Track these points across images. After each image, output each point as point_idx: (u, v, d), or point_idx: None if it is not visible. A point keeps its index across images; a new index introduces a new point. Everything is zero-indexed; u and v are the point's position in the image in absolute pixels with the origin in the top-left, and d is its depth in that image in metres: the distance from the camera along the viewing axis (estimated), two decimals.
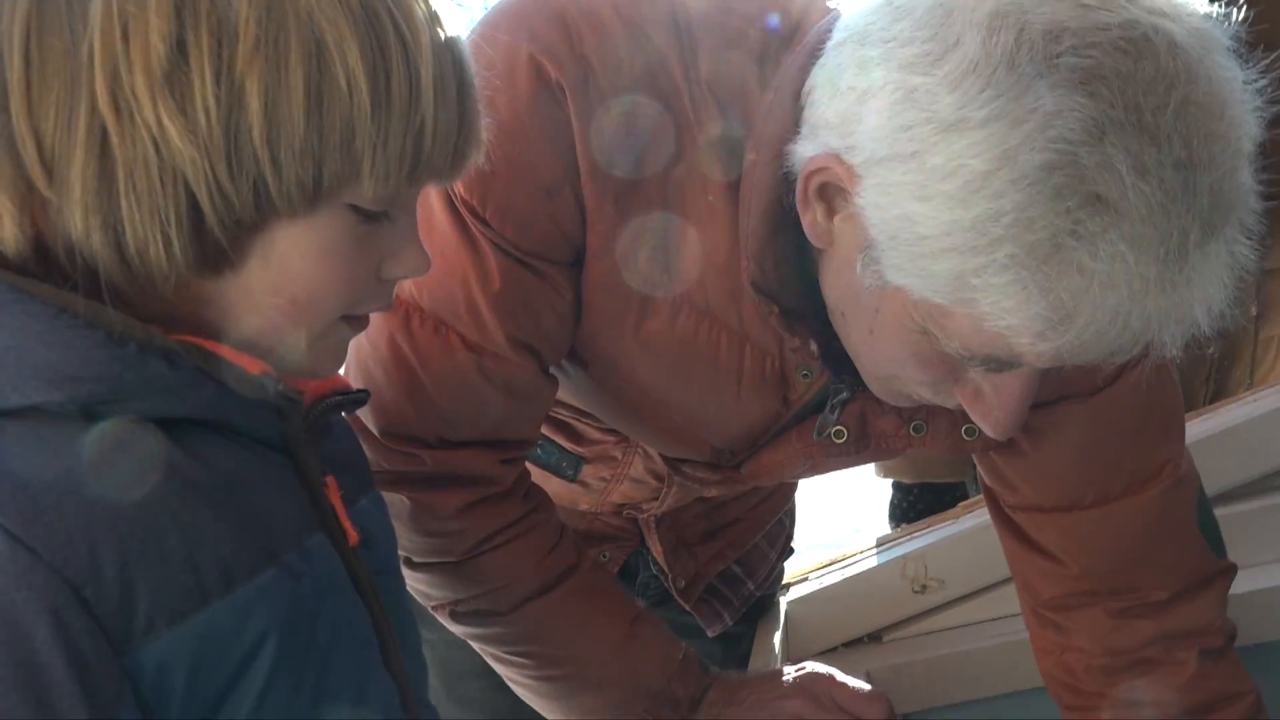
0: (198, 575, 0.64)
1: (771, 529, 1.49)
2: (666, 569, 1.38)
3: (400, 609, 0.85)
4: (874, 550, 1.60)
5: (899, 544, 1.58)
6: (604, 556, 1.36)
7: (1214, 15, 0.78)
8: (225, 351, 0.69)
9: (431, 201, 0.95)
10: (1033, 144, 0.72)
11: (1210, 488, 1.17)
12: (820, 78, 0.84)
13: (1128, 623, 1.11)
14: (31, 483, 0.61)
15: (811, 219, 0.86)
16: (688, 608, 1.40)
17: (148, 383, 0.65)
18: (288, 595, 0.69)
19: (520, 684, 1.16)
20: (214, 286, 0.68)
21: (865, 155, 0.79)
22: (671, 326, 0.99)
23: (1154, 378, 0.83)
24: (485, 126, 0.75)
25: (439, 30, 0.70)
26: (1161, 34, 0.73)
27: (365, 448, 0.92)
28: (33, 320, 0.64)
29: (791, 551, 1.56)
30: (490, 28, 0.92)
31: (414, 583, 1.10)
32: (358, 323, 0.76)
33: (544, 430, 1.21)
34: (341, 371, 0.86)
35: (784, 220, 0.90)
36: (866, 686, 1.19)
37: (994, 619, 1.52)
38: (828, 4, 0.91)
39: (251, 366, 0.70)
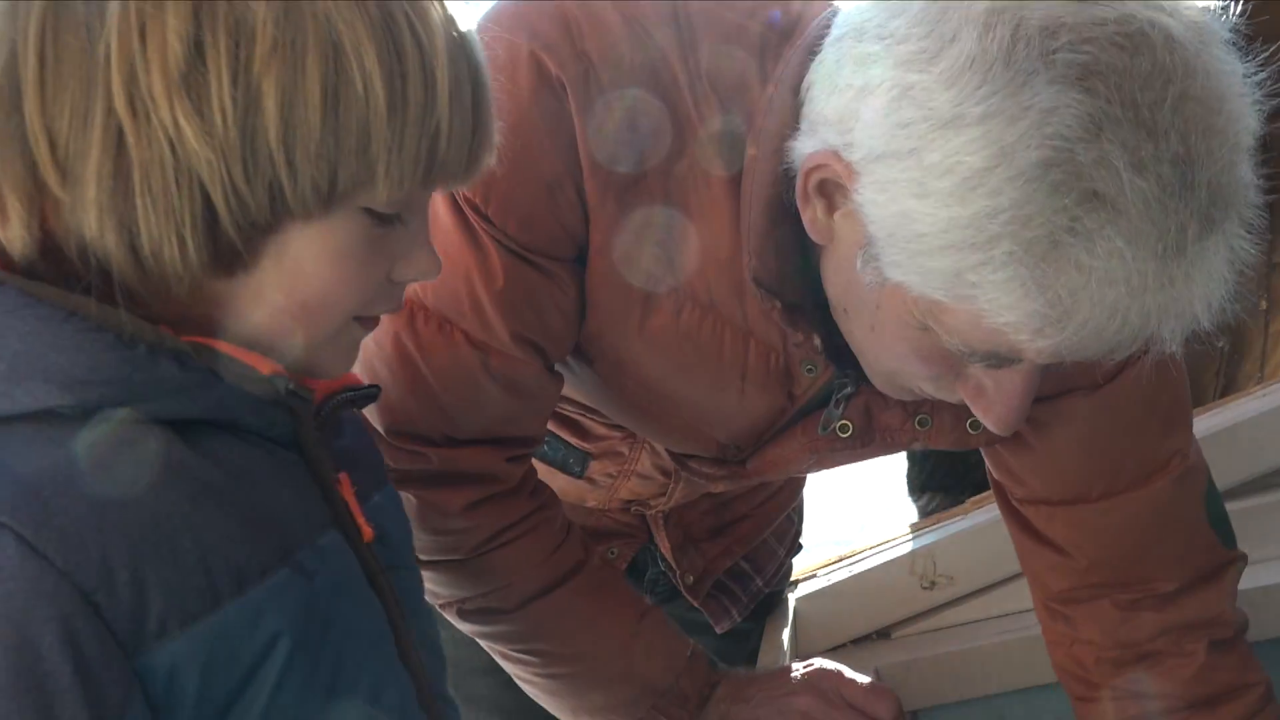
0: (210, 576, 0.65)
1: (780, 525, 1.49)
2: (674, 565, 1.38)
3: (417, 603, 0.85)
4: (882, 546, 1.59)
5: (907, 540, 1.58)
6: (612, 553, 1.36)
7: (1212, 8, 0.78)
8: (235, 351, 0.69)
9: (434, 199, 0.95)
10: (1029, 141, 0.72)
11: (1220, 482, 1.17)
12: (819, 73, 0.84)
13: (1136, 615, 1.11)
14: (43, 487, 0.61)
15: (811, 215, 0.87)
16: (696, 604, 1.40)
17: (158, 384, 0.65)
18: (300, 594, 0.69)
19: (528, 681, 1.16)
20: (226, 287, 0.68)
21: (863, 152, 0.79)
22: (675, 322, 0.99)
23: (1160, 370, 0.83)
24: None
25: (455, 33, 0.70)
26: (1158, 28, 0.73)
27: None
28: (43, 324, 0.64)
29: (800, 548, 1.56)
30: (491, 24, 0.92)
31: None
32: (369, 323, 0.76)
33: (550, 426, 1.21)
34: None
35: (785, 215, 0.90)
36: (875, 683, 1.18)
37: (1003, 615, 1.52)
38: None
39: (262, 366, 0.70)
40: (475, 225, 0.95)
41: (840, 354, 0.97)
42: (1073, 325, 0.76)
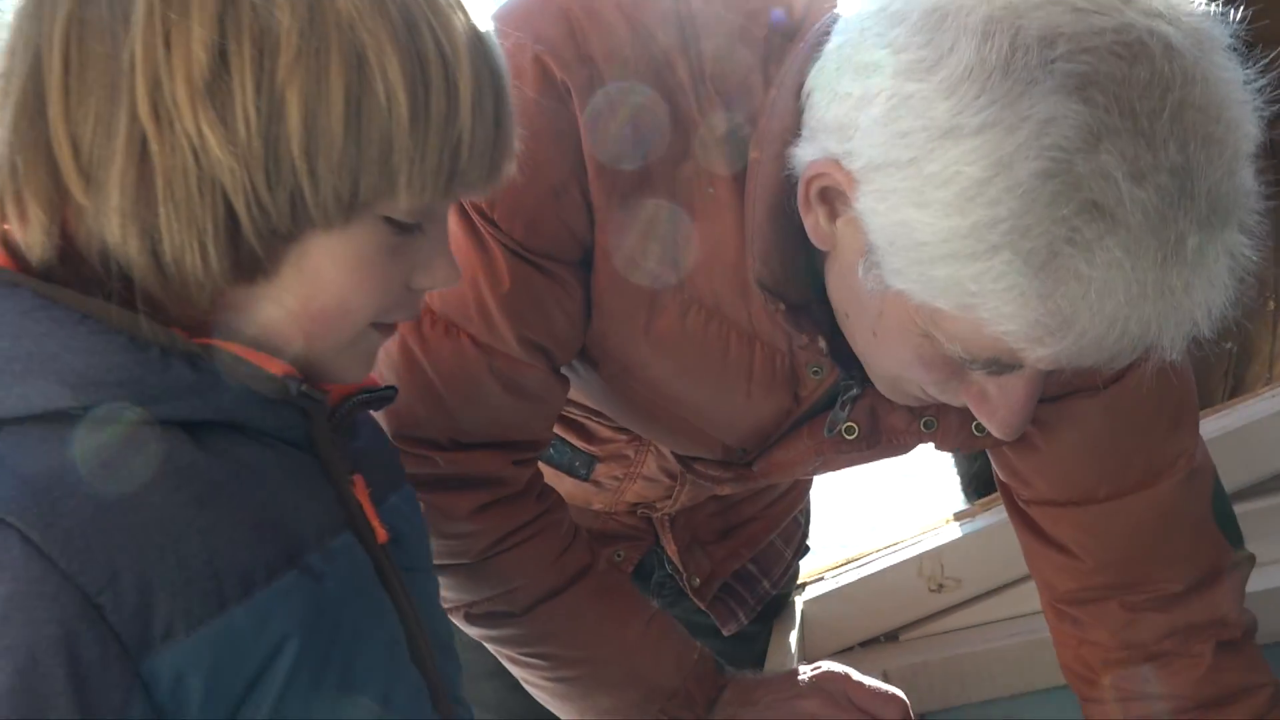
0: (216, 580, 0.65)
1: (787, 527, 1.48)
2: (681, 568, 1.38)
3: (432, 605, 0.86)
4: (890, 549, 1.59)
5: (915, 543, 1.58)
6: (618, 556, 1.36)
7: (1213, 14, 0.77)
8: (247, 353, 0.69)
9: None
10: (1028, 151, 0.72)
11: (1228, 484, 1.16)
12: (819, 80, 0.84)
13: (1143, 616, 1.11)
14: (52, 488, 0.61)
15: (814, 222, 0.87)
16: (702, 606, 1.40)
17: (170, 386, 0.66)
18: (308, 597, 0.69)
19: (535, 685, 1.16)
20: (246, 293, 0.69)
21: (863, 161, 0.79)
22: (681, 325, 0.99)
23: (1166, 371, 0.83)
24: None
25: (478, 43, 0.70)
26: (1157, 37, 0.73)
27: None
28: (57, 326, 0.64)
29: (807, 550, 1.56)
30: (495, 25, 0.92)
31: None
32: (386, 330, 0.77)
33: (556, 429, 1.22)
34: None
35: (789, 217, 0.90)
36: (883, 686, 1.18)
37: (1012, 617, 1.52)
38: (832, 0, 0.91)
39: (273, 367, 0.70)
40: (481, 229, 0.95)
41: (846, 356, 0.97)
42: (1072, 334, 0.76)
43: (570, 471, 1.27)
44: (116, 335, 0.64)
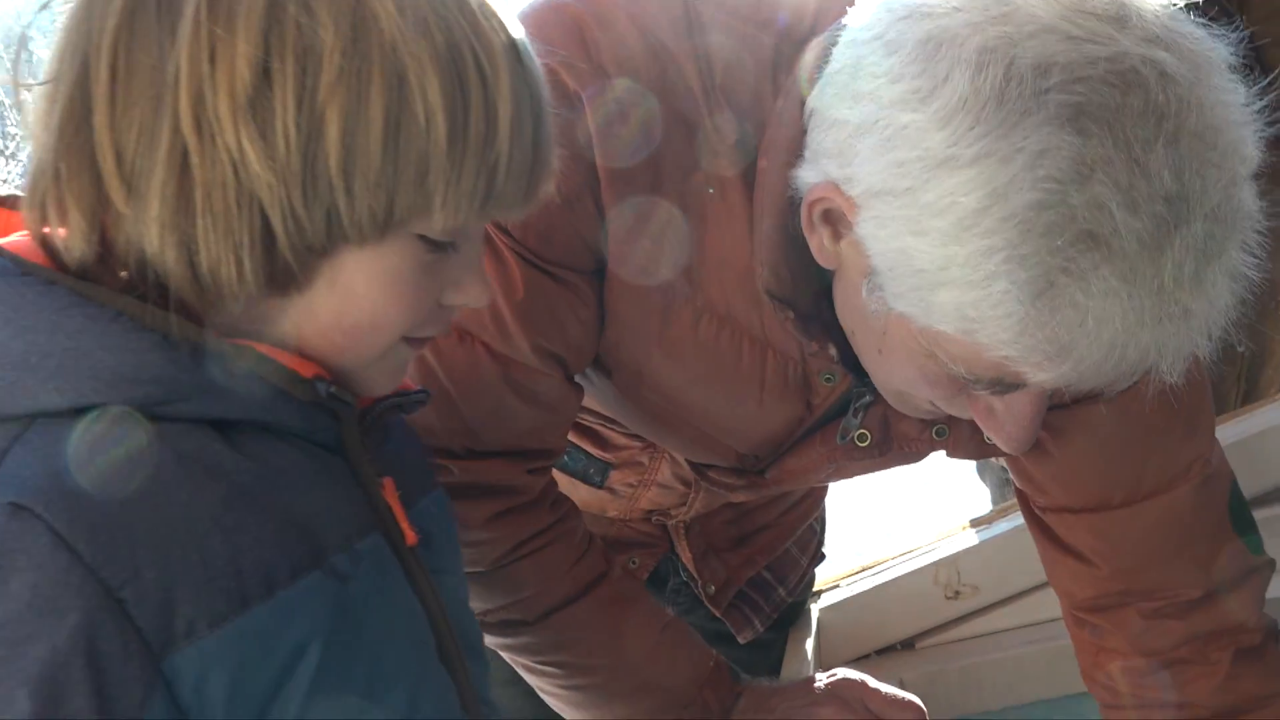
0: (239, 578, 0.65)
1: (802, 535, 1.48)
2: (696, 575, 1.38)
3: (461, 607, 0.86)
4: (906, 556, 1.59)
5: (931, 550, 1.57)
6: (633, 563, 1.36)
7: (1214, 34, 0.77)
8: (277, 354, 0.70)
9: None
10: (1021, 183, 0.72)
11: (1245, 492, 1.15)
12: (819, 103, 0.85)
13: (1160, 622, 1.10)
14: (81, 482, 0.62)
15: (818, 243, 0.87)
16: (718, 614, 1.40)
17: (202, 385, 0.66)
18: (333, 597, 0.69)
19: (550, 693, 1.16)
20: (279, 305, 0.70)
21: (862, 188, 0.80)
22: (693, 333, 0.99)
23: (1182, 374, 0.83)
24: None
25: (519, 68, 0.70)
26: (1151, 65, 0.73)
27: None
28: (91, 323, 0.65)
29: (823, 558, 1.56)
30: None
31: None
32: (417, 344, 0.77)
33: (571, 436, 1.22)
34: None
35: (797, 227, 0.90)
36: (900, 693, 1.18)
37: (1028, 624, 1.52)
38: (841, 8, 0.91)
39: (304, 369, 0.71)
40: (495, 238, 0.96)
41: (857, 363, 0.97)
42: (1071, 360, 0.77)
43: (585, 479, 1.27)
44: (149, 334, 0.65)
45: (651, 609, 1.17)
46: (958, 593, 1.52)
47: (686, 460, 1.20)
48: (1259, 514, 1.19)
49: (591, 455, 1.26)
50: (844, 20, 0.85)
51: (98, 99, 0.64)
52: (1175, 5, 0.77)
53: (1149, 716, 1.13)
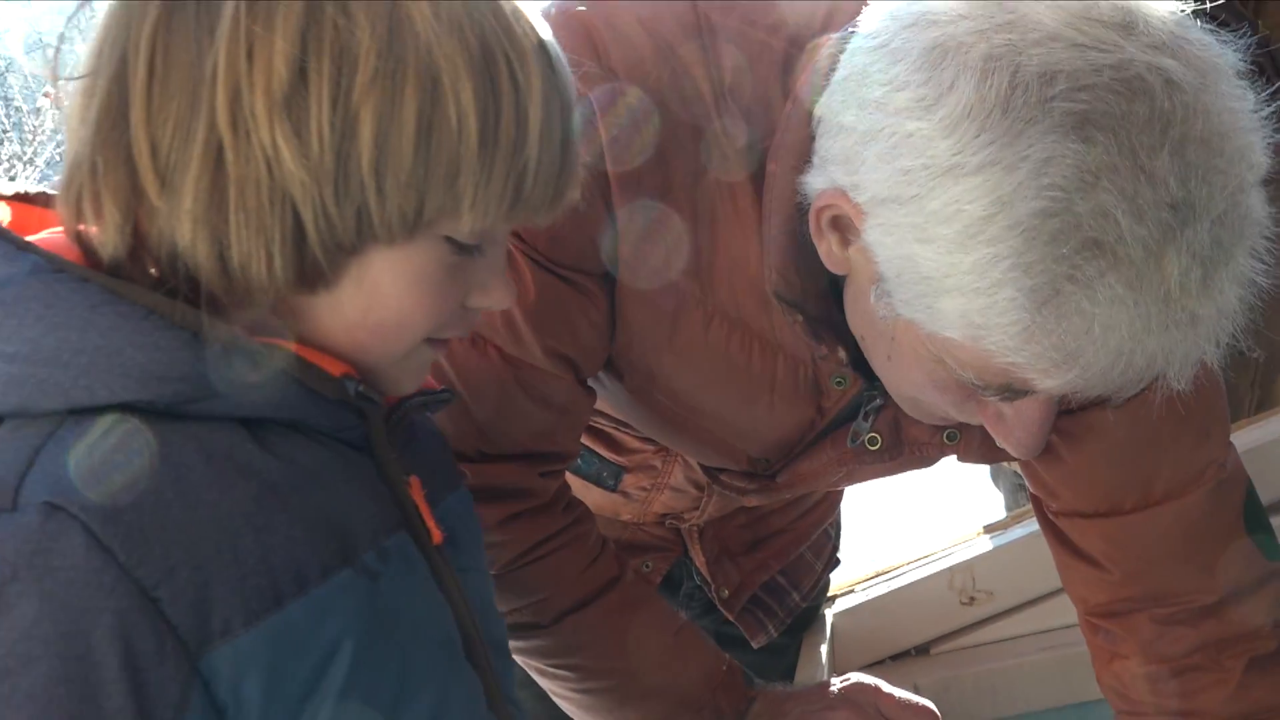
0: (272, 576, 0.66)
1: (817, 540, 1.48)
2: (709, 579, 1.38)
3: (487, 605, 0.86)
4: (921, 561, 1.58)
5: (946, 555, 1.57)
6: (646, 566, 1.36)
7: (1220, 40, 0.77)
8: (306, 353, 0.70)
9: None
10: (1026, 191, 0.72)
11: (1261, 499, 1.14)
12: (826, 110, 0.85)
13: (1172, 629, 1.10)
14: (114, 481, 0.62)
15: (826, 248, 0.88)
16: (731, 618, 1.40)
17: (231, 383, 0.67)
18: (364, 595, 0.70)
19: (563, 697, 1.16)
20: (306, 302, 0.70)
21: (869, 195, 0.80)
22: (704, 336, 0.99)
23: (1194, 379, 0.83)
24: None
25: (551, 75, 0.71)
26: (1157, 72, 0.73)
27: None
28: (123, 320, 0.65)
29: (838, 563, 1.56)
30: None
31: None
32: (439, 345, 0.78)
33: (584, 440, 1.22)
34: None
35: (806, 231, 0.90)
36: (914, 698, 1.17)
37: (1044, 631, 1.51)
38: (851, 14, 0.91)
39: (332, 368, 0.71)
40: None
41: (867, 367, 0.97)
42: (1078, 367, 0.77)
43: (598, 482, 1.27)
44: (180, 331, 0.66)
45: (664, 613, 1.17)
46: (973, 598, 1.51)
47: (699, 464, 1.20)
48: (1276, 521, 1.18)
49: (604, 458, 1.26)
50: (852, 26, 0.85)
51: (135, 94, 0.65)
52: (1184, 10, 0.77)
53: None
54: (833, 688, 1.18)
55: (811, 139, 0.87)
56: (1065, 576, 1.17)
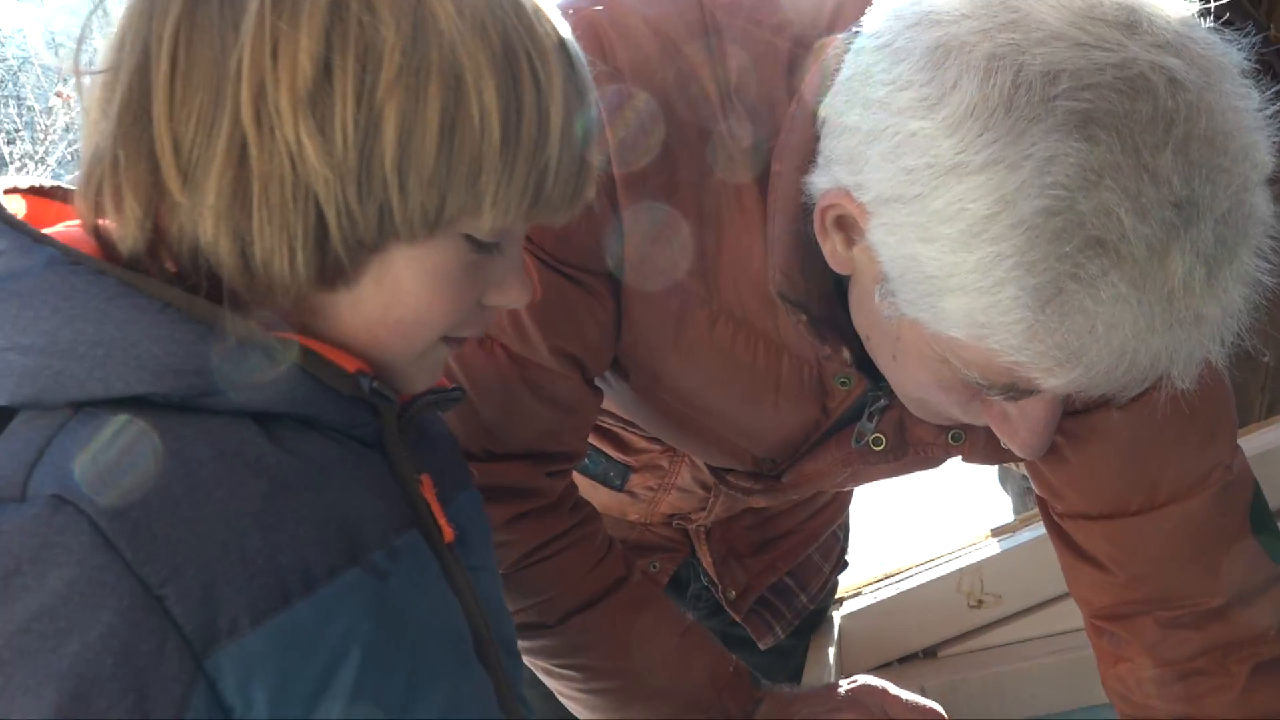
0: (279, 575, 0.65)
1: (825, 542, 1.48)
2: (716, 580, 1.38)
3: (497, 604, 0.86)
4: (929, 564, 1.58)
5: (955, 558, 1.56)
6: (654, 567, 1.36)
7: (1226, 39, 0.77)
8: (322, 348, 0.70)
9: None
10: (1029, 190, 0.72)
11: (1271, 505, 1.14)
12: (830, 111, 0.85)
13: (1177, 632, 1.09)
14: (123, 476, 0.62)
15: (831, 248, 0.88)
16: (738, 619, 1.40)
17: (245, 377, 0.67)
18: (373, 594, 0.70)
19: (569, 697, 1.16)
20: (326, 299, 0.70)
21: (873, 194, 0.80)
22: (709, 336, 0.99)
23: (1200, 381, 0.82)
24: None
25: (573, 75, 0.72)
26: (1161, 71, 0.73)
27: None
28: (139, 313, 0.65)
29: (846, 565, 1.55)
30: None
31: None
32: (455, 344, 0.78)
33: (591, 439, 1.22)
34: None
35: (810, 230, 0.90)
36: (922, 700, 1.17)
37: (1053, 634, 1.51)
38: (857, 13, 0.91)
39: (347, 364, 0.71)
40: None
41: (872, 367, 0.97)
42: (1081, 366, 0.76)
43: (605, 482, 1.27)
44: (195, 325, 0.66)
45: (671, 613, 1.17)
46: (981, 601, 1.51)
47: (705, 464, 1.20)
48: None
49: (611, 458, 1.26)
50: (857, 26, 0.85)
51: (157, 88, 0.65)
52: (1190, 9, 0.77)
53: None
54: (840, 690, 1.18)
55: (816, 139, 0.87)
56: (1070, 579, 1.16)
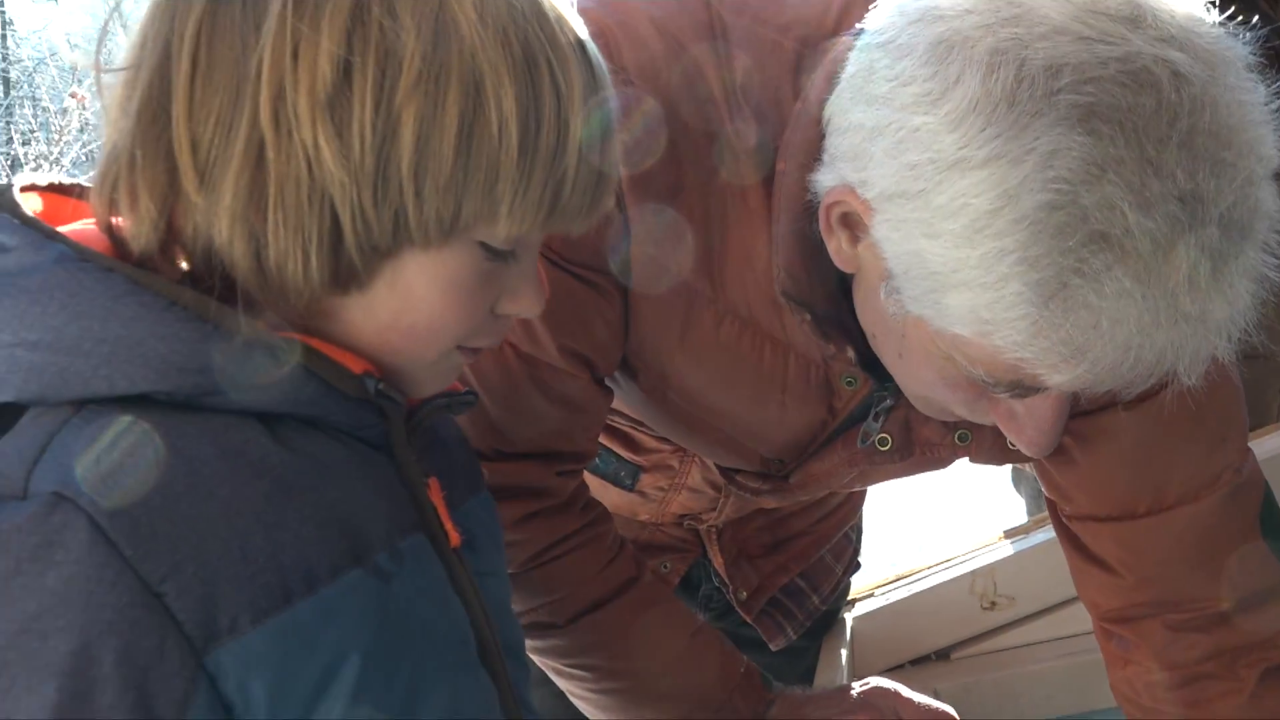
0: (281, 574, 0.65)
1: (838, 543, 1.48)
2: (728, 580, 1.38)
3: (504, 610, 0.86)
4: (942, 565, 1.57)
5: (967, 559, 1.56)
6: (665, 567, 1.36)
7: (1231, 32, 0.77)
8: (327, 349, 0.70)
9: None
10: (1032, 184, 0.72)
11: None
12: (835, 108, 0.85)
13: (1185, 636, 1.09)
14: (124, 473, 0.62)
15: (836, 246, 0.87)
16: (749, 620, 1.40)
17: (250, 377, 0.67)
18: (375, 596, 0.69)
19: (580, 697, 1.16)
20: (339, 302, 0.70)
21: (877, 191, 0.80)
22: (715, 335, 0.99)
23: (1209, 383, 0.82)
24: None
25: (593, 85, 0.71)
26: (1164, 64, 0.73)
27: None
28: (145, 311, 0.65)
29: (858, 566, 1.55)
30: None
31: None
32: (469, 353, 0.77)
33: (602, 439, 1.22)
34: None
35: (815, 229, 0.89)
36: (934, 703, 1.17)
37: (1066, 636, 1.50)
38: (863, 12, 0.91)
39: (353, 365, 0.71)
40: None
41: (878, 366, 0.97)
42: (1086, 361, 0.76)
43: (616, 482, 1.27)
44: (202, 323, 0.66)
45: (681, 614, 1.16)
46: (994, 603, 1.51)
47: (714, 464, 1.20)
48: None
49: (622, 458, 1.26)
50: (861, 25, 0.85)
51: (178, 87, 0.65)
52: (1196, 2, 0.77)
53: None
54: (852, 692, 1.17)
55: (821, 137, 0.87)
56: (1079, 581, 1.16)
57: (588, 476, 1.17)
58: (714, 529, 1.35)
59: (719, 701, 1.13)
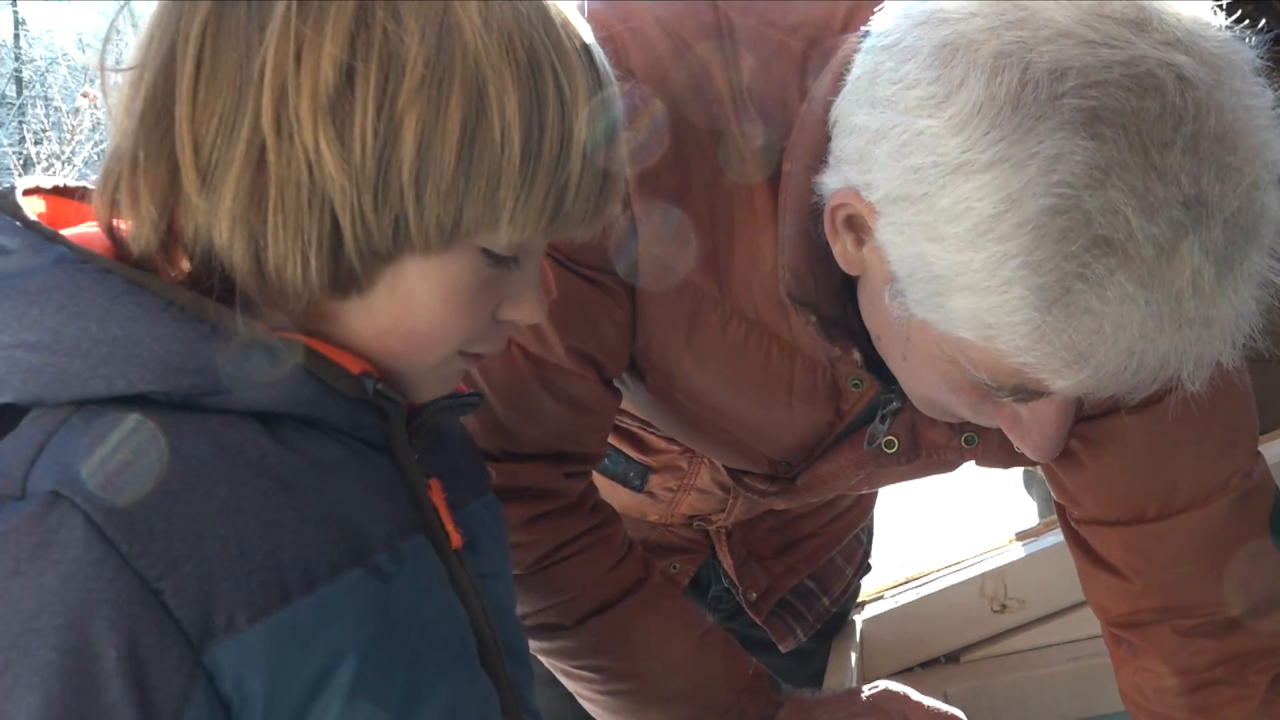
0: (279, 572, 0.65)
1: (848, 545, 1.48)
2: (737, 581, 1.38)
3: (506, 613, 0.86)
4: (952, 568, 1.57)
5: (978, 562, 1.55)
6: (674, 568, 1.36)
7: (1238, 36, 0.76)
8: (326, 349, 0.70)
9: None
10: (1036, 188, 0.72)
11: None
12: (840, 111, 0.85)
13: (1195, 641, 1.08)
14: (121, 471, 0.62)
15: (841, 248, 0.87)
16: (759, 621, 1.39)
17: (249, 377, 0.67)
18: (374, 596, 0.69)
19: (587, 698, 1.16)
20: (339, 306, 0.70)
21: (881, 194, 0.80)
22: (722, 336, 0.99)
23: (1217, 386, 0.81)
24: None
25: (598, 92, 0.71)
26: (1169, 68, 0.72)
27: None
28: (143, 311, 0.65)
29: (869, 568, 1.55)
30: None
31: None
32: (471, 359, 0.77)
33: (611, 439, 1.22)
34: None
35: (821, 231, 0.89)
36: (943, 706, 1.17)
37: (1077, 640, 1.50)
38: (870, 13, 0.90)
39: (352, 365, 0.71)
40: None
41: (884, 369, 0.97)
42: (1089, 367, 0.76)
43: (624, 482, 1.27)
44: (199, 324, 0.66)
45: (690, 615, 1.16)
46: (1004, 606, 1.50)
47: (722, 465, 1.20)
48: None
49: (631, 459, 1.26)
50: (867, 27, 0.85)
51: (181, 89, 0.65)
52: (1203, 5, 0.76)
53: None
54: (861, 695, 1.17)
55: (828, 139, 0.87)
56: (1087, 586, 1.15)
57: (597, 477, 1.17)
58: (723, 530, 1.35)
59: (727, 703, 1.13)
